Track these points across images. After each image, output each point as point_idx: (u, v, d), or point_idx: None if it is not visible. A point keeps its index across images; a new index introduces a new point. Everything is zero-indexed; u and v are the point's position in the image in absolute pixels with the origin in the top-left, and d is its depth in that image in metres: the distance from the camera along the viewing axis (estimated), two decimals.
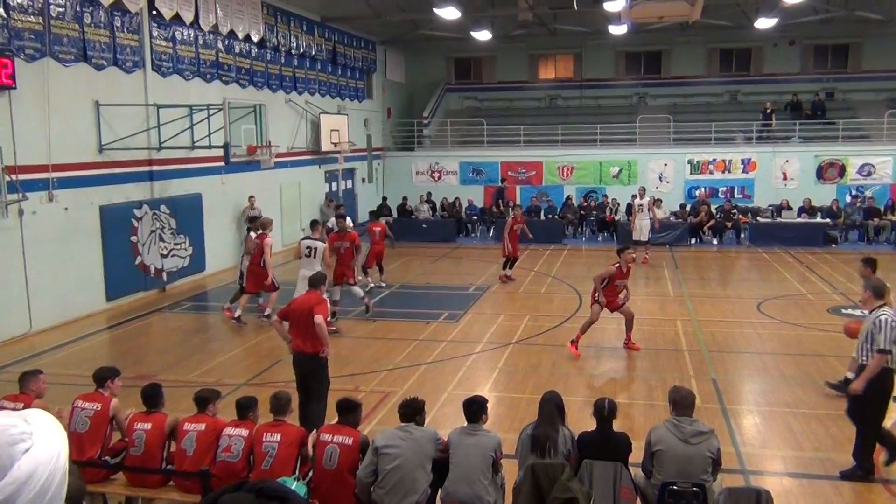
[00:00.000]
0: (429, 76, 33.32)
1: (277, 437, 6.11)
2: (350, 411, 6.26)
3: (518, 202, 26.08)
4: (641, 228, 19.59)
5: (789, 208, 23.58)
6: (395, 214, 25.82)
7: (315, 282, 8.75)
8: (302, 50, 23.09)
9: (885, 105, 28.03)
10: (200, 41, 18.01)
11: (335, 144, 24.11)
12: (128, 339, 12.48)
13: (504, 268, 17.40)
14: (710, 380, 10.27)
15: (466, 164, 28.30)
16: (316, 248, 12.76)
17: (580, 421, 7.33)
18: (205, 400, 6.51)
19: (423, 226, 24.83)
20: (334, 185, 25.90)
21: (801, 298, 15.49)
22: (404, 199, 26.47)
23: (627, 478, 5.66)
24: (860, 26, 28.34)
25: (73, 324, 13.79)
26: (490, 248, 21.91)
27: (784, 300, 15.31)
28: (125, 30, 15.45)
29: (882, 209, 23.44)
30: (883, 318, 7.08)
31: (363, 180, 28.03)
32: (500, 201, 26.02)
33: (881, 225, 22.91)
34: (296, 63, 22.93)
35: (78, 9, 14.13)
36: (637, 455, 6.05)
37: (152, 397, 6.57)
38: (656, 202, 23.71)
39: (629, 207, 21.64)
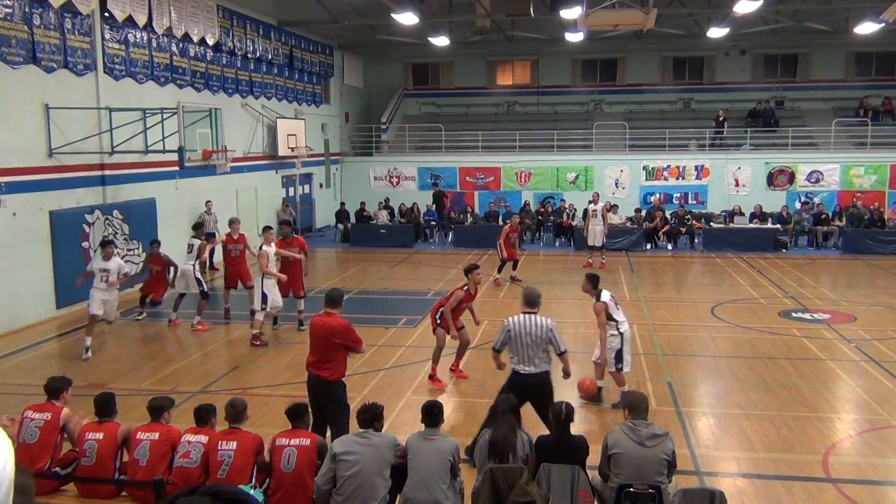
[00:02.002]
0: (387, 81, 33.29)
1: (233, 445, 6.04)
2: (300, 415, 6.25)
3: (476, 208, 26.24)
4: (595, 234, 19.73)
5: (741, 214, 24.07)
6: (353, 220, 25.73)
7: (335, 300, 7.68)
8: (258, 54, 22.89)
9: (832, 113, 28.83)
10: (154, 44, 17.74)
11: (292, 149, 23.94)
12: (79, 348, 12.17)
13: (499, 271, 18.00)
14: (666, 383, 10.41)
15: (424, 170, 28.32)
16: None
17: (539, 425, 7.37)
18: (159, 408, 6.41)
19: (382, 231, 24.77)
20: (291, 190, 25.71)
21: (752, 302, 15.80)
22: (362, 204, 26.39)
23: (585, 481, 5.71)
24: (808, 37, 29.10)
25: (22, 332, 13.45)
26: (448, 254, 21.97)
27: (737, 304, 15.61)
28: (76, 32, 15.14)
29: (830, 215, 24.06)
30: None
31: (321, 185, 27.88)
32: (438, 205, 26.33)
33: (829, 231, 23.50)
34: (252, 67, 22.71)
35: (27, 10, 13.81)
36: (594, 458, 6.11)
37: (105, 406, 6.44)
38: (613, 207, 24.02)
39: (584, 213, 21.81)
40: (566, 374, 7.99)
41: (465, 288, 10.42)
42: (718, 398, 10.06)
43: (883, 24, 22.41)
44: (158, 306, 14.45)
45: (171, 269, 14.06)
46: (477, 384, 10.48)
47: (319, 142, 27.38)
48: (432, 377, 10.39)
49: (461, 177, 28.03)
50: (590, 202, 20.28)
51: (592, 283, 9.48)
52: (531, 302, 7.78)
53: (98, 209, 15.78)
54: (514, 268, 18.27)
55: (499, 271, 18.04)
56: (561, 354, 7.71)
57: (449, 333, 10.26)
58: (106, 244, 12.35)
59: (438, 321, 10.38)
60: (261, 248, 12.95)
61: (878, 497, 7.05)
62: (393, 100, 32.29)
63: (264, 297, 12.48)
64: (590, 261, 19.72)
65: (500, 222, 25.58)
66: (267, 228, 13.34)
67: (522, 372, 7.54)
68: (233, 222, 14.55)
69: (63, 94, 14.80)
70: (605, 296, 9.33)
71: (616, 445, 5.78)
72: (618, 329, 9.31)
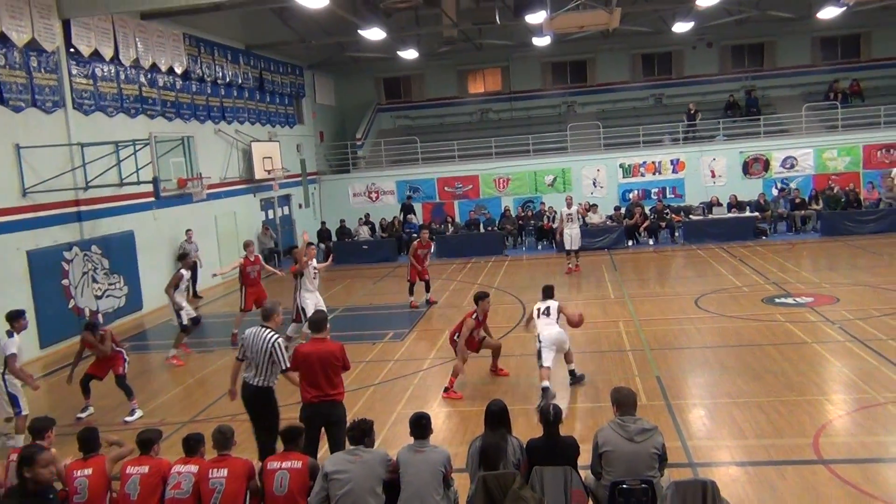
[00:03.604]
0: (359, 98, 33.34)
1: (224, 472, 6.00)
2: (296, 438, 6.23)
3: (426, 221, 26.00)
4: (573, 237, 19.47)
5: (719, 204, 24.24)
6: (334, 238, 25.70)
7: (321, 324, 7.65)
8: (228, 79, 22.86)
9: (801, 99, 29.14)
10: (122, 76, 17.68)
11: (269, 172, 23.90)
12: (65, 386, 12.05)
13: (410, 293, 16.67)
14: (655, 377, 10.45)
15: (403, 183, 28.34)
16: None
17: (531, 428, 7.38)
18: (149, 441, 6.36)
19: (364, 247, 24.75)
20: (270, 212, 25.66)
21: (736, 291, 15.91)
22: (342, 221, 26.37)
23: (578, 481, 5.71)
24: (773, 25, 29.42)
25: None
26: (431, 265, 21.88)
27: (720, 294, 15.71)
28: (42, 69, 15.08)
29: (807, 199, 24.30)
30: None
31: (300, 206, 27.82)
32: (409, 216, 26.47)
33: (807, 215, 23.71)
34: (223, 92, 22.68)
35: None
36: (585, 458, 6.12)
37: (89, 441, 6.37)
38: (592, 207, 24.13)
39: (559, 217, 21.57)
40: None
41: (475, 316, 10.59)
42: (707, 389, 10.11)
43: (845, 8, 22.69)
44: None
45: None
46: (468, 392, 10.48)
47: (296, 162, 27.36)
48: (448, 389, 10.42)
49: (440, 187, 28.08)
50: (565, 206, 20.08)
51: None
52: None
53: (76, 245, 15.68)
54: (427, 289, 16.87)
55: (410, 293, 16.69)
56: None
57: (463, 360, 10.53)
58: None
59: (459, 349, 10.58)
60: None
61: (869, 475, 7.10)
62: (366, 115, 32.33)
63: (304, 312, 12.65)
64: (570, 266, 19.63)
65: (482, 230, 25.75)
66: (310, 244, 13.66)
67: None
68: (248, 245, 14.95)
69: (33, 133, 14.72)
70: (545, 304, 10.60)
71: (606, 443, 5.79)
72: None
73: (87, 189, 15.95)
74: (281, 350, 7.63)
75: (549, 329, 10.23)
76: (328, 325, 7.77)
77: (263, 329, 7.75)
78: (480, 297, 10.68)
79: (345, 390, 7.61)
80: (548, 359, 10.05)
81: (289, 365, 7.64)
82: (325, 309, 12.31)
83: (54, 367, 13.70)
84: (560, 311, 10.39)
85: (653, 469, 5.72)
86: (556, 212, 25.19)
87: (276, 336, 7.69)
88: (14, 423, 9.05)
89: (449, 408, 10.00)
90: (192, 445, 6.29)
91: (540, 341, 10.17)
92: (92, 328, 10.87)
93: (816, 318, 13.02)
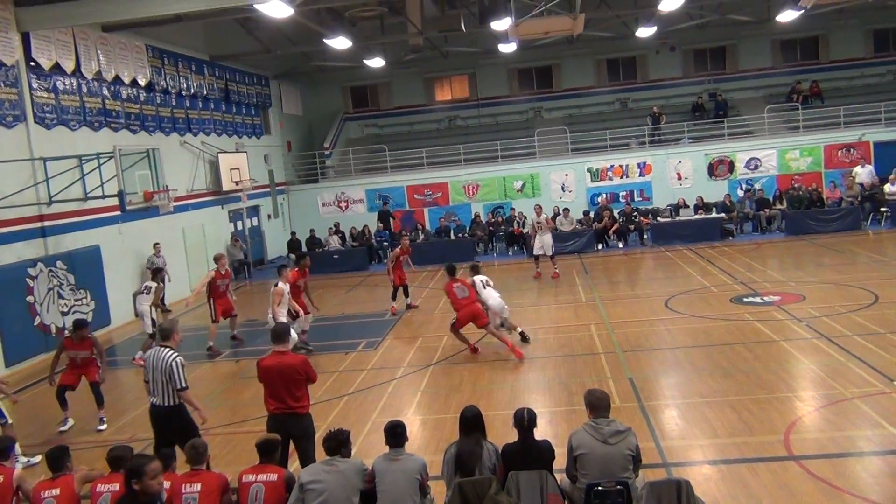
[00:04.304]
0: (326, 107, 33.26)
1: (198, 486, 5.91)
2: (271, 451, 6.16)
3: (404, 230, 25.84)
4: (545, 244, 19.44)
5: (686, 206, 24.52)
6: (304, 248, 25.53)
7: (282, 335, 7.60)
8: (193, 90, 22.67)
9: (763, 101, 29.63)
10: (85, 89, 17.46)
11: (236, 183, 23.73)
12: (33, 404, 11.85)
13: (394, 298, 16.87)
14: (627, 379, 10.52)
15: (372, 192, 28.29)
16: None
17: (505, 434, 7.37)
18: (121, 458, 6.25)
19: (335, 256, 24.63)
20: (239, 223, 25.45)
21: (705, 291, 16.09)
22: (312, 231, 26.25)
23: (553, 485, 5.72)
24: (733, 29, 29.92)
25: None
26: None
27: (689, 295, 15.87)
28: (1, 83, 14.85)
29: (771, 199, 24.68)
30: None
31: (269, 217, 27.64)
32: (385, 224, 26.44)
33: (772, 215, 24.08)
34: (188, 104, 22.48)
35: None
36: (561, 461, 6.13)
37: (58, 460, 6.25)
38: (564, 211, 24.26)
39: (531, 225, 21.54)
40: None
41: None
42: (679, 389, 10.20)
43: (802, 11, 23.13)
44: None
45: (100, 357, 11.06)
46: (441, 400, 10.47)
47: (264, 173, 27.18)
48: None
49: (409, 195, 28.07)
50: (535, 215, 20.04)
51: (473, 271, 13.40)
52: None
53: (41, 262, 15.41)
54: (406, 293, 17.11)
55: (393, 299, 16.89)
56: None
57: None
58: None
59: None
60: (276, 285, 13.19)
61: (839, 469, 7.21)
62: (334, 125, 32.24)
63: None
64: (539, 271, 19.61)
65: (453, 237, 25.76)
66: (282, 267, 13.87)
67: None
68: (219, 258, 14.98)
69: None
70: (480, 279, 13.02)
71: (580, 446, 5.81)
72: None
73: (50, 204, 15.71)
74: (178, 368, 7.54)
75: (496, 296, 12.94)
76: (288, 337, 7.69)
77: (162, 349, 7.68)
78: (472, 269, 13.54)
79: (310, 403, 7.55)
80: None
81: (185, 384, 7.60)
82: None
83: (20, 386, 13.41)
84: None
85: (627, 470, 5.75)
86: (525, 217, 25.37)
87: (175, 355, 7.62)
88: (1, 431, 9.07)
89: (423, 415, 9.99)
90: (163, 461, 6.20)
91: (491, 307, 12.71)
92: (82, 325, 10.84)
93: (784, 317, 13.21)
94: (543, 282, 19.14)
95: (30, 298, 15.01)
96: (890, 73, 30.57)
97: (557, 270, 19.59)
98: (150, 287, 14.48)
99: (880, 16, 29.41)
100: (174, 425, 7.61)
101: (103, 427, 10.42)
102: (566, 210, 24.56)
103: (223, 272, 14.64)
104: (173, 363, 7.52)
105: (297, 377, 7.32)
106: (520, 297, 17.12)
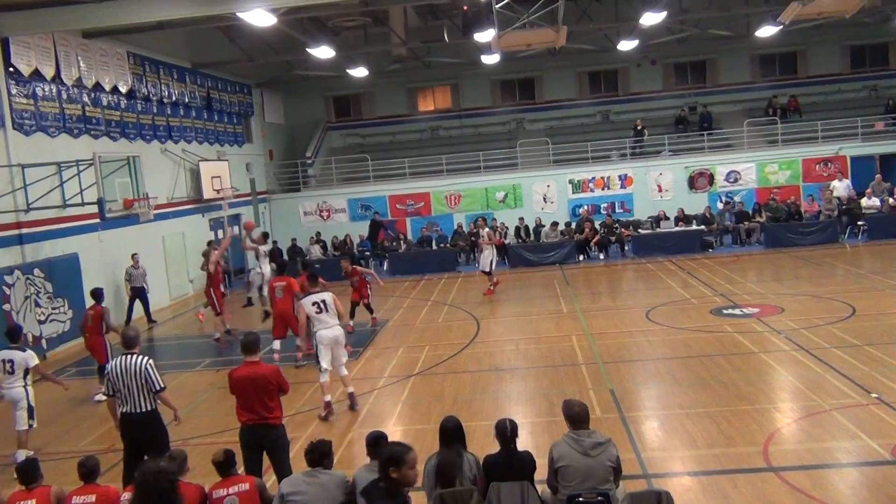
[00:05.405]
0: (308, 116, 33.19)
1: None
2: (232, 462, 6.11)
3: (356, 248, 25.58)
4: (483, 261, 19.19)
5: (666, 218, 24.71)
6: (285, 256, 25.40)
7: (253, 346, 7.51)
8: (174, 98, 22.55)
9: (742, 115, 29.95)
10: (64, 96, 17.31)
11: (218, 191, 23.60)
12: (5, 414, 11.67)
13: (352, 316, 15.76)
14: (608, 390, 10.55)
15: (354, 201, 28.25)
16: (324, 301, 10.87)
17: (487, 444, 7.36)
18: (95, 468, 6.17)
19: (316, 266, 24.48)
20: (220, 232, 25.28)
21: (685, 303, 16.19)
22: (293, 240, 26.14)
23: (535, 496, 5.71)
24: (713, 43, 30.25)
25: None
26: (384, 282, 21.81)
27: (670, 306, 15.96)
28: None
29: (751, 212, 24.92)
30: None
31: None
32: (373, 234, 26.29)
33: (751, 227, 24.30)
34: (169, 112, 22.36)
35: None
36: (543, 472, 6.13)
37: (30, 472, 6.14)
38: (553, 224, 24.35)
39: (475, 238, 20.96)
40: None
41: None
42: (660, 400, 10.25)
43: (781, 27, 23.44)
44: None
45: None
46: (422, 410, 10.44)
47: (245, 182, 27.07)
48: None
49: (391, 205, 28.06)
50: (479, 229, 19.70)
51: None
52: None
53: (18, 269, 15.22)
54: (370, 310, 16.30)
55: (351, 316, 15.62)
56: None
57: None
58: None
59: None
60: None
61: (816, 480, 7.26)
62: (316, 134, 32.18)
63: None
64: (491, 288, 19.14)
65: (434, 247, 25.77)
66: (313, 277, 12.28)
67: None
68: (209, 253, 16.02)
69: None
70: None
71: (561, 458, 5.80)
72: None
73: (28, 211, 15.54)
74: (153, 370, 7.56)
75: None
76: (259, 347, 7.63)
77: (128, 356, 7.65)
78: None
79: (282, 414, 7.56)
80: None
81: (163, 385, 7.64)
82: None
83: None
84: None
85: (608, 482, 5.75)
86: (507, 227, 25.48)
87: (146, 358, 7.64)
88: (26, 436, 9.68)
89: (404, 426, 9.95)
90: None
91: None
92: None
93: (763, 329, 13.32)
94: (523, 292, 19.18)
95: (6, 306, 14.80)
96: (866, 89, 31.03)
97: (492, 288, 19.02)
98: (14, 361, 9.90)
99: (857, 32, 29.84)
100: (148, 433, 7.57)
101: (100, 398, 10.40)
102: (554, 223, 24.60)
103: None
104: (147, 366, 7.54)
105: (269, 387, 7.33)
106: (500, 308, 17.15)
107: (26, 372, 9.73)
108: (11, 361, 9.65)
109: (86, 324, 12.45)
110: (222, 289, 15.49)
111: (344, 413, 10.62)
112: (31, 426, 9.73)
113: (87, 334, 12.38)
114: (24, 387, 9.72)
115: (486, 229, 19.84)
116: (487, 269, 19.16)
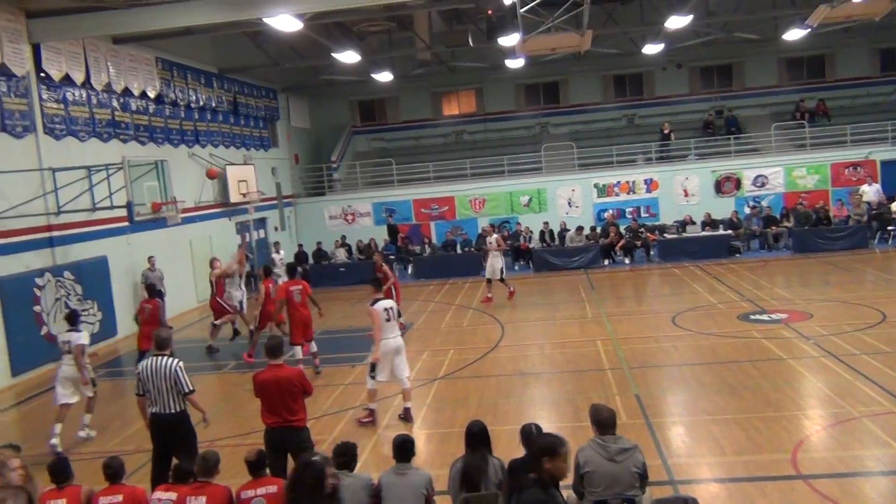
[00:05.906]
0: (334, 120, 33.39)
1: (203, 500, 5.89)
2: (263, 464, 6.18)
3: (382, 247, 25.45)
4: (493, 268, 18.93)
5: (693, 223, 24.52)
6: (311, 260, 25.57)
7: (277, 350, 7.63)
8: (202, 103, 22.79)
9: (769, 119, 29.65)
10: (94, 101, 17.56)
11: (244, 195, 23.80)
12: (38, 415, 11.85)
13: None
14: (634, 395, 10.48)
15: (379, 205, 28.35)
16: (393, 309, 10.63)
17: (511, 449, 7.35)
18: (120, 469, 6.23)
19: (341, 269, 24.67)
20: (247, 236, 25.50)
21: (712, 308, 16.04)
22: (318, 244, 26.28)
23: (560, 501, 5.68)
24: (740, 47, 30.00)
25: None
26: (409, 287, 21.90)
27: (696, 311, 15.83)
28: (12, 94, 14.93)
29: (778, 217, 24.66)
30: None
31: (276, 229, 27.69)
32: (400, 238, 26.35)
33: (779, 232, 24.04)
34: (196, 116, 22.60)
35: None
36: (567, 477, 6.09)
37: (61, 472, 6.22)
38: (578, 229, 24.27)
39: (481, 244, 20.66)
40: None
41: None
42: (686, 406, 10.16)
43: (809, 30, 23.18)
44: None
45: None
46: (447, 414, 10.44)
47: (271, 185, 27.27)
48: None
49: (416, 209, 28.11)
50: (487, 235, 19.41)
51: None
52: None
53: (48, 272, 15.46)
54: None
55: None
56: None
57: None
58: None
59: None
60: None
61: (846, 489, 7.16)
62: (341, 138, 32.36)
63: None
64: (489, 296, 18.99)
65: (459, 251, 25.78)
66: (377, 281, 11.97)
67: None
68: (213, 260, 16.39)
69: (3, 158, 14.54)
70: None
71: (587, 463, 5.77)
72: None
73: (59, 214, 15.77)
74: (182, 372, 7.66)
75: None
76: (282, 351, 7.79)
77: (159, 358, 7.75)
78: None
79: (307, 416, 7.65)
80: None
81: (192, 387, 7.72)
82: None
83: (27, 395, 13.45)
84: None
85: (634, 488, 5.71)
86: (532, 232, 25.43)
87: (177, 360, 7.76)
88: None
89: (429, 429, 9.96)
90: (179, 473, 6.20)
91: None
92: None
93: (791, 335, 13.16)
94: (548, 297, 19.12)
95: (37, 308, 15.04)
96: None
97: (513, 289, 19.00)
98: (70, 342, 10.53)
99: (887, 35, 29.43)
100: (177, 434, 7.66)
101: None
102: (579, 228, 24.53)
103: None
104: (177, 368, 7.65)
105: (293, 389, 7.41)
106: (525, 312, 17.10)
107: (82, 350, 10.56)
108: (69, 342, 10.51)
109: (142, 315, 13.44)
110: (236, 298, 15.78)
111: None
112: (95, 393, 10.80)
113: (142, 326, 13.32)
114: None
115: (495, 235, 19.73)
116: (499, 277, 18.95)
